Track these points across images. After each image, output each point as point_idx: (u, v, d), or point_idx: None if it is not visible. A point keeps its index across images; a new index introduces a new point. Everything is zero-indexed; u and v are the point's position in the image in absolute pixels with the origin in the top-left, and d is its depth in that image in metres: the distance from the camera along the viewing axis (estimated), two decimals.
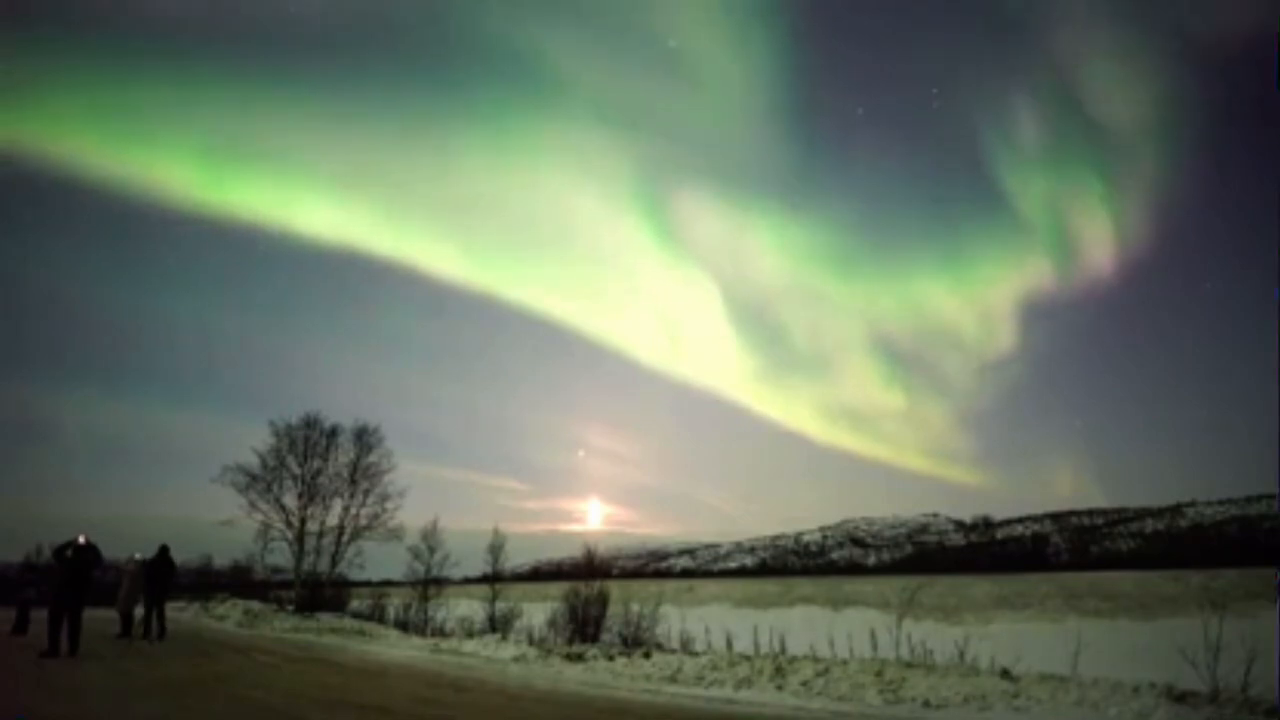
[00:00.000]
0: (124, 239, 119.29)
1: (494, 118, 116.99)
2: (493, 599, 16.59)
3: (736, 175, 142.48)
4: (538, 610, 14.58)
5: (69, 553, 9.98)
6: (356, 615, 18.64)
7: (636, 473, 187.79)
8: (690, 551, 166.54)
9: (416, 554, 18.52)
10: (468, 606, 17.16)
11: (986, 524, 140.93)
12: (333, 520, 21.54)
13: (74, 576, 9.84)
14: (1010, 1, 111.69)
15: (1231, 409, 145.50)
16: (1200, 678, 5.57)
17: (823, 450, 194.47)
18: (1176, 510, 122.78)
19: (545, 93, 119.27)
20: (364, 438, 21.99)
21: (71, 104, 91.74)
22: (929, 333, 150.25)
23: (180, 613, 20.35)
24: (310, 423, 21.76)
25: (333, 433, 21.90)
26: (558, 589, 15.34)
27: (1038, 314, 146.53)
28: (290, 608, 20.05)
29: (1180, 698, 5.24)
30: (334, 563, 21.48)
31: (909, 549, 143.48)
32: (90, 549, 10.26)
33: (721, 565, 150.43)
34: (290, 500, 21.16)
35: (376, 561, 21.87)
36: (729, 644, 9.58)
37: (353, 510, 21.57)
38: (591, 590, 13.16)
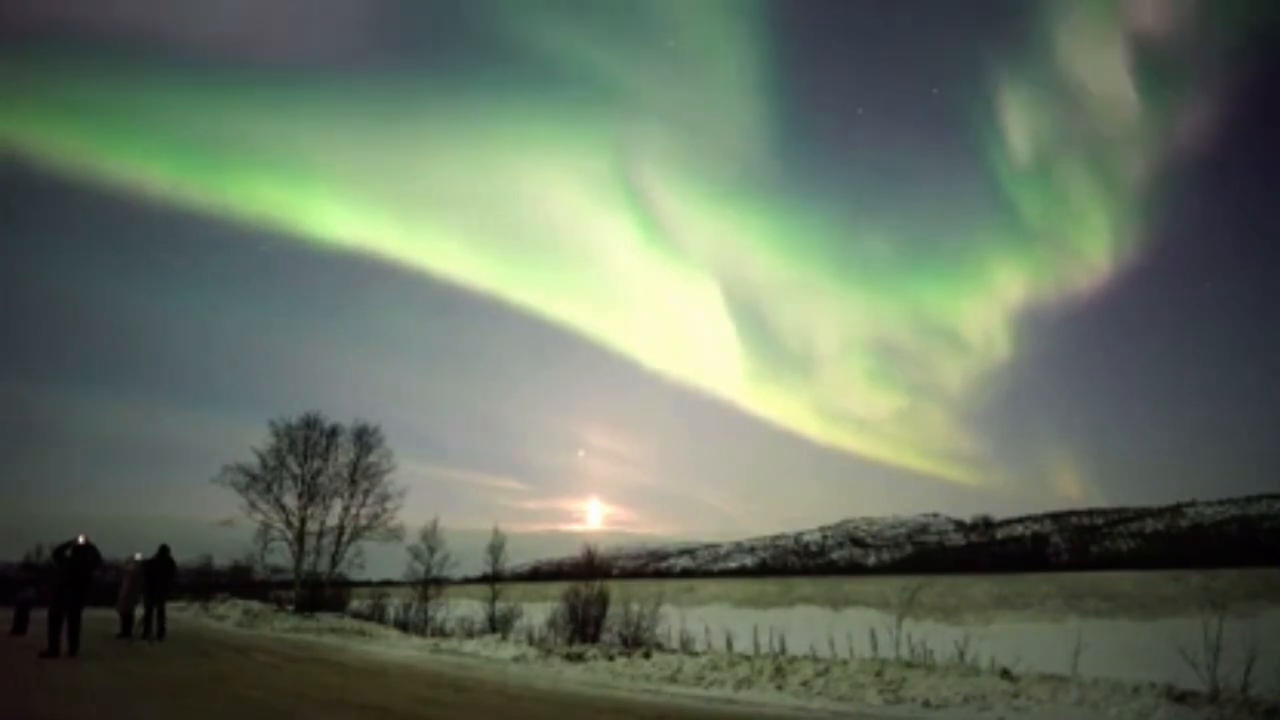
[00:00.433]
0: (124, 240, 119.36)
1: (493, 119, 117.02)
2: (493, 599, 16.59)
3: (738, 175, 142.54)
4: (538, 610, 14.58)
5: (69, 553, 9.98)
6: (356, 615, 18.64)
7: (636, 473, 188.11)
8: (690, 551, 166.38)
9: (416, 554, 18.55)
10: (468, 606, 17.16)
11: (986, 524, 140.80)
12: (333, 520, 21.57)
13: (74, 576, 9.84)
14: (1010, 1, 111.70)
15: (1232, 409, 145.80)
16: (1200, 678, 5.56)
17: (823, 450, 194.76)
18: (1176, 510, 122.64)
19: (541, 93, 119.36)
20: (364, 438, 22.01)
21: (75, 104, 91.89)
22: (929, 333, 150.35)
23: (180, 613, 20.36)
24: (310, 423, 21.77)
25: (333, 433, 21.91)
26: (558, 589, 15.34)
27: (1038, 313, 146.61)
28: (290, 608, 20.04)
29: (1180, 698, 5.23)
30: (334, 563, 21.47)
31: (909, 549, 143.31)
32: (90, 549, 10.26)
33: (721, 565, 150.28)
34: (290, 500, 21.18)
35: (376, 561, 21.90)
36: (729, 644, 9.57)
37: (353, 510, 21.59)
38: (591, 590, 13.16)
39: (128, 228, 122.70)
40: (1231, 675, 5.51)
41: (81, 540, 10.11)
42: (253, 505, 20.60)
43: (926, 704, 5.89)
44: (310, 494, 21.33)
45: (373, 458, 21.93)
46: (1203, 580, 27.20)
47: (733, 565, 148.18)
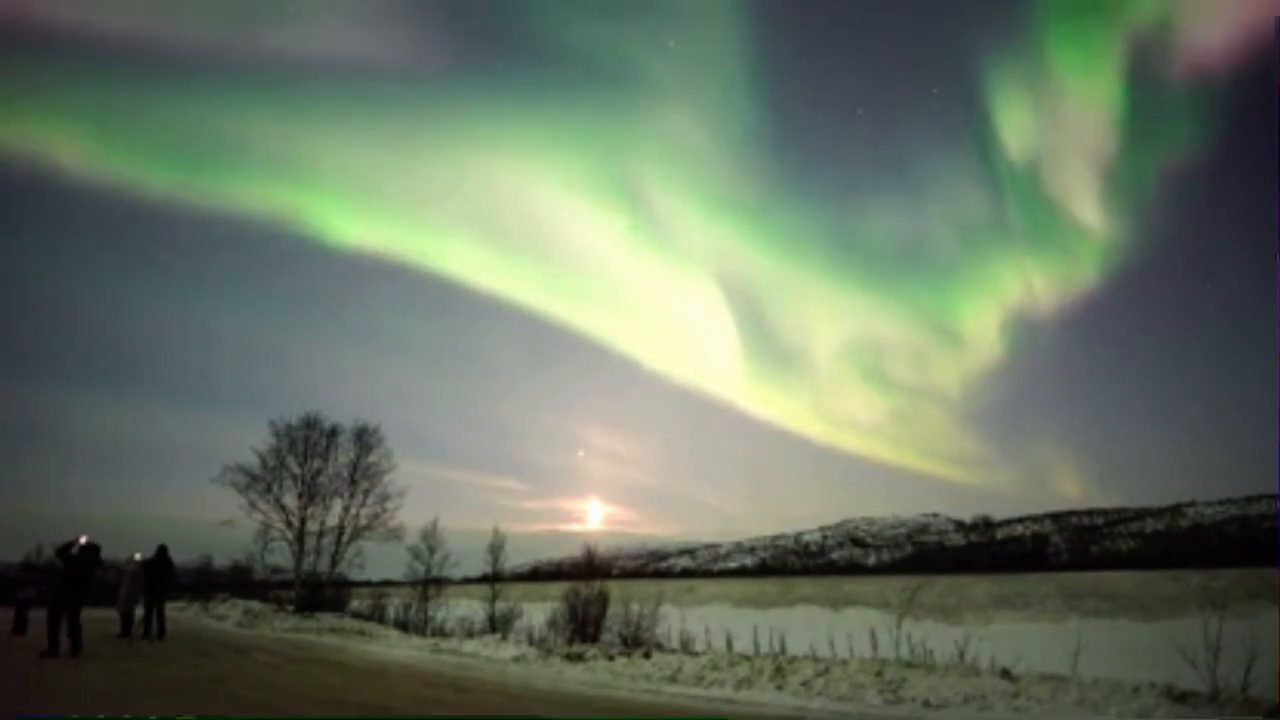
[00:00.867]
0: (124, 240, 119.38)
1: (492, 119, 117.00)
2: (493, 599, 16.58)
3: (738, 175, 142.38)
4: (538, 610, 14.58)
5: (74, 550, 10.01)
6: (356, 615, 18.62)
7: (636, 473, 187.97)
8: (690, 551, 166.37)
9: (416, 554, 18.51)
10: (468, 606, 17.15)
11: (986, 524, 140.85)
12: (333, 520, 21.53)
13: (75, 576, 9.86)
14: (1010, 2, 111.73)
15: (1231, 409, 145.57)
16: (1200, 678, 5.56)
17: (823, 450, 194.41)
18: (1176, 510, 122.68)
19: (541, 93, 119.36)
20: (364, 438, 21.99)
21: (77, 105, 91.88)
22: (929, 332, 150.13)
23: (180, 613, 20.35)
24: (310, 423, 21.75)
25: (333, 433, 21.89)
26: (558, 589, 15.33)
27: (1038, 313, 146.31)
28: (290, 608, 20.04)
29: (1180, 698, 5.24)
30: (334, 563, 21.46)
31: (909, 549, 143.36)
32: (93, 548, 10.29)
33: (721, 565, 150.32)
34: (290, 500, 21.14)
35: (376, 561, 21.87)
36: (729, 644, 9.57)
37: (353, 510, 21.56)
38: (591, 590, 13.15)
39: (128, 228, 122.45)
40: (1231, 675, 5.51)
41: (83, 540, 10.12)
42: (253, 505, 20.60)
43: (926, 704, 5.90)
44: (310, 494, 21.32)
45: (373, 458, 21.93)
46: (1203, 580, 27.18)
47: (733, 565, 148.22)
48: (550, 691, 7.04)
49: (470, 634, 13.72)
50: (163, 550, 13.11)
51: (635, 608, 12.63)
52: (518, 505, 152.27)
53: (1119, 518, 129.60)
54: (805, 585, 42.34)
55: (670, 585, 31.38)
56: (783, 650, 8.73)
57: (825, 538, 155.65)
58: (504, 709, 6.10)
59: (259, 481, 20.77)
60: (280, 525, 20.94)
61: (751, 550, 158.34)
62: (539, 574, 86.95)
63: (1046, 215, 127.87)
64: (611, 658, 9.02)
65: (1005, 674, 6.32)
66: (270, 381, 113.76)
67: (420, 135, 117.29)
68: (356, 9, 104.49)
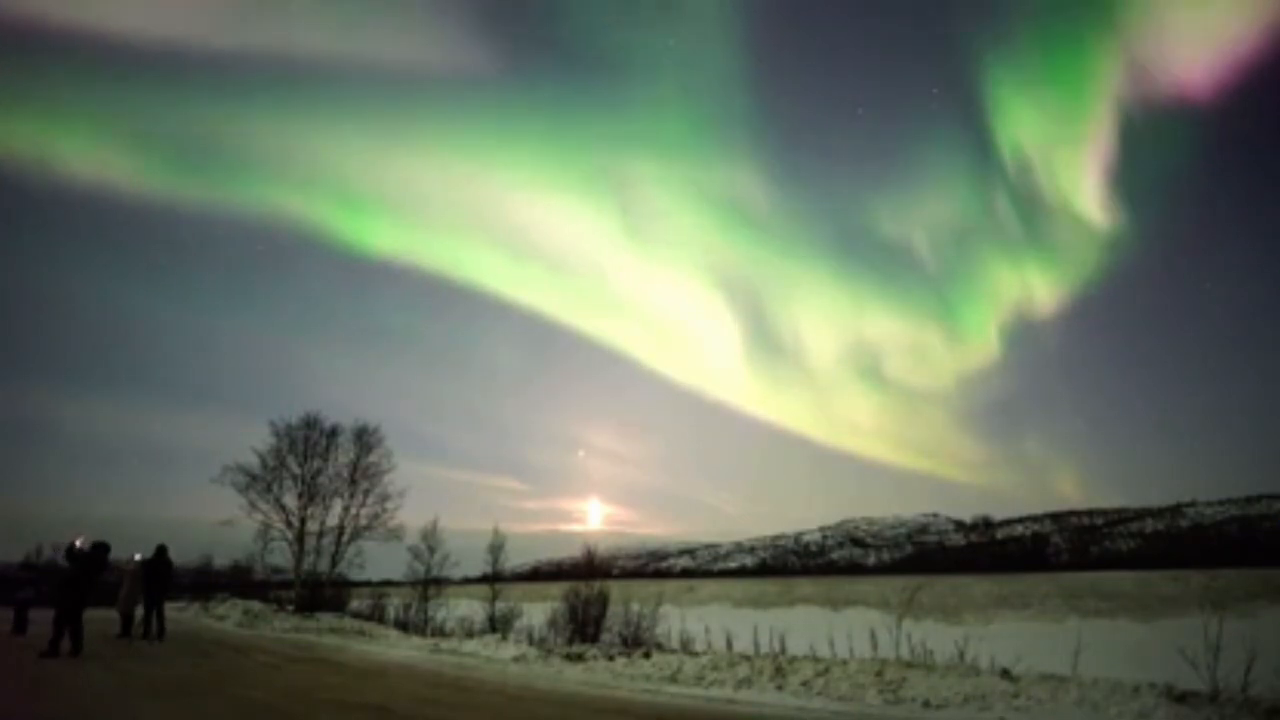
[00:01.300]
0: (124, 241, 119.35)
1: (492, 119, 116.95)
2: (493, 599, 16.59)
3: (739, 175, 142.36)
4: (538, 610, 14.58)
5: (86, 549, 10.04)
6: (356, 615, 18.62)
7: (636, 473, 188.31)
8: (690, 551, 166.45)
9: (416, 554, 18.53)
10: (468, 606, 17.16)
11: (986, 524, 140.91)
12: (333, 520, 21.53)
13: (77, 576, 9.86)
14: (1009, 2, 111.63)
15: (1232, 409, 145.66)
16: (1200, 678, 5.56)
17: (823, 450, 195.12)
18: (1176, 510, 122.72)
19: (541, 93, 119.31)
20: (364, 438, 21.98)
21: (78, 106, 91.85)
22: (929, 332, 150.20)
23: (180, 613, 20.36)
24: (310, 423, 21.74)
25: (333, 433, 21.88)
26: (558, 589, 15.33)
27: (1038, 313, 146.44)
28: (290, 608, 20.03)
29: (1180, 698, 5.24)
30: (334, 563, 21.45)
31: (909, 549, 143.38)
32: (101, 548, 10.33)
33: (721, 565, 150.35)
34: (290, 500, 21.14)
35: (376, 561, 21.87)
36: (729, 644, 9.57)
37: (353, 510, 21.55)
38: (591, 590, 13.14)
39: (128, 229, 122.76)
40: (1231, 675, 5.51)
41: (79, 542, 10.13)
42: (253, 505, 20.59)
43: (926, 704, 5.89)
44: (310, 494, 21.32)
45: (373, 458, 21.93)
46: (1203, 580, 27.23)
47: (733, 565, 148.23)
48: (550, 691, 7.04)
49: (470, 634, 13.72)
50: (162, 550, 13.09)
51: (635, 608, 12.63)
52: (518, 505, 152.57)
53: (1119, 518, 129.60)
54: (805, 585, 42.37)
55: (670, 585, 31.42)
56: (783, 650, 8.73)
57: (825, 538, 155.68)
58: (504, 709, 6.10)
59: (259, 481, 20.77)
60: (280, 525, 20.95)
61: (751, 550, 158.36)
62: (539, 574, 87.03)
63: (1046, 216, 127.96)
64: (611, 658, 9.02)
65: (1005, 674, 6.32)
66: (270, 381, 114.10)
67: (422, 137, 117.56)
68: (352, 10, 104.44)
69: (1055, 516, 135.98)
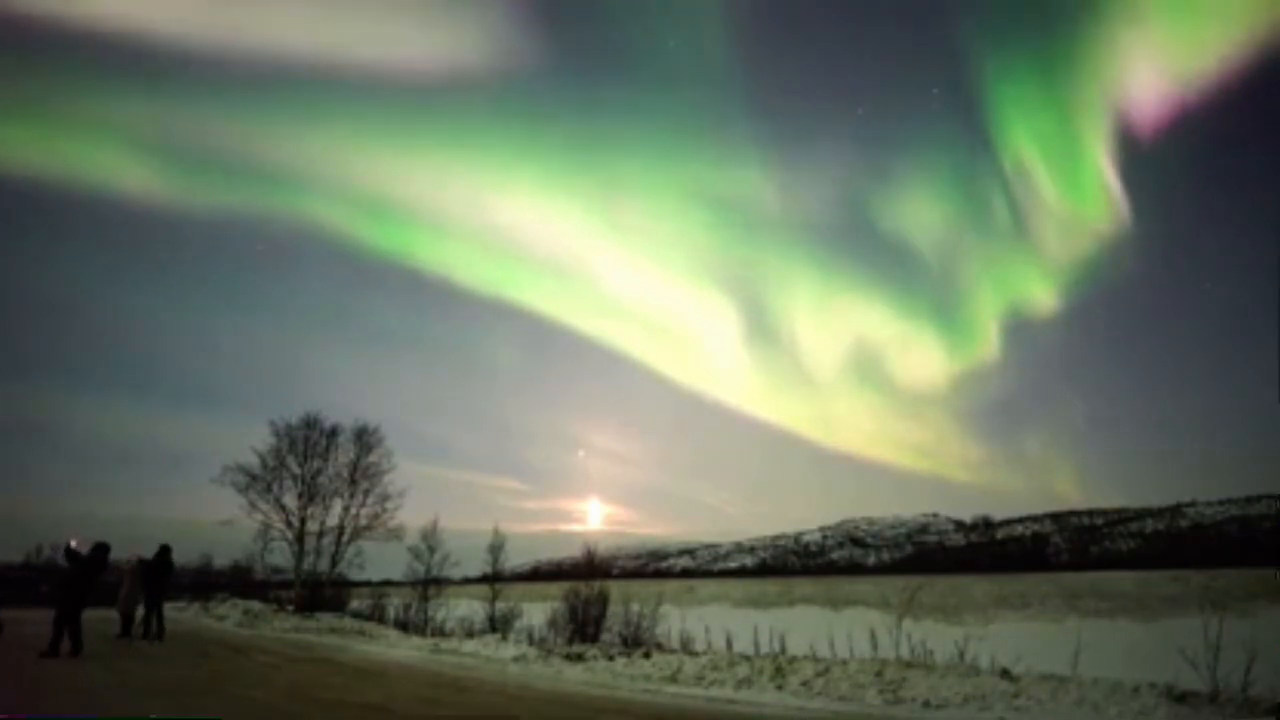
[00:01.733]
0: (124, 242, 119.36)
1: (491, 119, 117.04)
2: (493, 599, 16.59)
3: (737, 175, 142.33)
4: (538, 610, 14.58)
5: (84, 550, 10.05)
6: (356, 615, 18.61)
7: (636, 473, 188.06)
8: (690, 551, 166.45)
9: (416, 554, 18.51)
10: (468, 606, 17.16)
11: (986, 524, 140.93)
12: (333, 520, 21.48)
13: (77, 577, 9.86)
14: (1008, 4, 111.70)
15: (1232, 409, 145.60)
16: (1200, 678, 5.57)
17: (822, 450, 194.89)
18: (1176, 510, 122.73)
19: (540, 93, 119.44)
20: (364, 438, 21.95)
21: (79, 109, 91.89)
22: (929, 332, 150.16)
23: (180, 613, 20.34)
24: (310, 423, 21.72)
25: (333, 433, 21.86)
26: (558, 589, 15.34)
27: (1038, 313, 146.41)
28: (290, 608, 20.02)
29: (1180, 698, 5.24)
30: (334, 563, 21.44)
31: (909, 549, 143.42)
32: (102, 548, 10.34)
33: (721, 565, 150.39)
34: (290, 500, 21.10)
35: (376, 561, 21.85)
36: (729, 644, 9.58)
37: (353, 510, 21.52)
38: (591, 590, 13.15)
39: (128, 230, 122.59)
40: (1231, 675, 5.51)
41: (73, 544, 10.15)
42: (253, 505, 20.55)
43: (926, 704, 5.90)
44: (310, 494, 21.29)
45: (373, 458, 21.89)
46: (1203, 580, 27.21)
47: (733, 565, 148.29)
48: (550, 691, 7.04)
49: (470, 634, 13.72)
50: (166, 551, 13.10)
51: (635, 608, 12.64)
52: (518, 505, 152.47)
53: (1119, 518, 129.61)
54: (805, 585, 42.38)
55: (670, 585, 31.38)
56: (783, 650, 8.74)
57: (825, 538, 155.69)
58: (504, 709, 6.10)
59: (259, 481, 20.75)
60: (280, 525, 20.92)
61: (751, 550, 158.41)
62: (539, 574, 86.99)
63: (1046, 215, 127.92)
64: (611, 658, 9.02)
65: (1005, 674, 6.32)
66: (270, 382, 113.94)
67: (423, 139, 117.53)
68: (347, 11, 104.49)
69: (1055, 516, 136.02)
